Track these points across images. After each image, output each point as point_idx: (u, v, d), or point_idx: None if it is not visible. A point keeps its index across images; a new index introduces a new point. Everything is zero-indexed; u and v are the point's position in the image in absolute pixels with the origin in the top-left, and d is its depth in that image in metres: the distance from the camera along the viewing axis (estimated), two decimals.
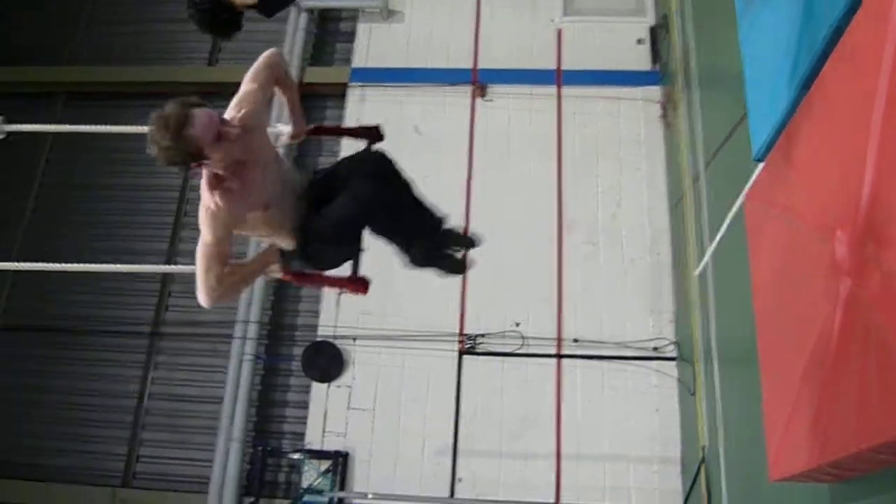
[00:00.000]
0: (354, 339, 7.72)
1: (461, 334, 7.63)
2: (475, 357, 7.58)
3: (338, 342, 7.72)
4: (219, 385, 7.81)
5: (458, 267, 3.81)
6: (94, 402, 8.11)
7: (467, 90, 8.65)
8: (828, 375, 3.02)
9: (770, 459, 3.68)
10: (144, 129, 2.83)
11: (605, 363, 7.40)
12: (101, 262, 8.12)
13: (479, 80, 8.69)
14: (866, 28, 2.94)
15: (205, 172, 2.95)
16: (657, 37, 8.49)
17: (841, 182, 3.04)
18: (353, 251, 3.44)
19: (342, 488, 7.18)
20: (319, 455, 7.36)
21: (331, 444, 7.43)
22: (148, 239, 8.75)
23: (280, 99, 3.47)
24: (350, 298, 7.78)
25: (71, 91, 9.64)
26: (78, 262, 7.89)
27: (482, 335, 7.61)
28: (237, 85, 9.71)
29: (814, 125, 3.40)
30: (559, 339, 7.54)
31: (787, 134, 3.74)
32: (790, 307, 3.53)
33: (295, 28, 9.10)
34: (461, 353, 7.59)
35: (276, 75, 3.32)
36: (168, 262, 8.50)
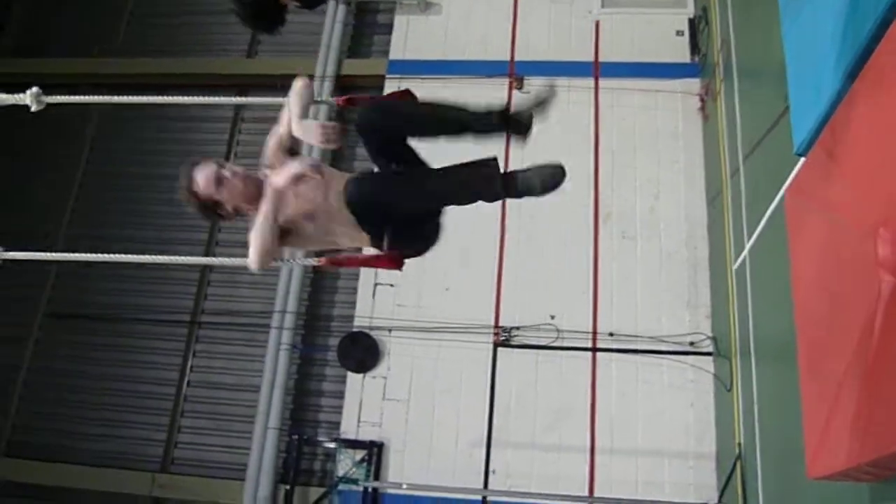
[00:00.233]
0: (390, 330, 7.77)
1: (496, 326, 7.64)
2: (510, 349, 7.59)
3: (373, 333, 7.77)
4: (256, 374, 7.92)
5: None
6: (134, 389, 8.27)
7: (504, 82, 8.63)
8: (868, 373, 2.99)
9: (808, 457, 3.65)
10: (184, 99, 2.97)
11: (640, 357, 7.36)
12: (142, 253, 8.32)
13: (516, 73, 8.66)
14: None
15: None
16: (696, 28, 8.40)
17: (885, 179, 3.00)
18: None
19: (376, 478, 7.25)
20: (354, 445, 7.43)
21: (366, 434, 7.50)
22: (188, 229, 8.86)
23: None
24: (386, 290, 7.85)
25: (111, 83, 9.78)
26: (120, 252, 8.05)
27: (517, 328, 7.61)
28: (276, 77, 9.81)
29: (858, 120, 3.35)
30: (594, 333, 7.52)
31: (830, 128, 3.69)
32: (831, 304, 3.50)
33: (333, 20, 9.15)
34: (496, 345, 7.60)
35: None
36: (207, 254, 8.62)
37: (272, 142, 3.43)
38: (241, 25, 3.36)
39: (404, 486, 6.80)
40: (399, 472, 7.32)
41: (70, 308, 8.66)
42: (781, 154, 4.68)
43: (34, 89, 3.13)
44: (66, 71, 9.68)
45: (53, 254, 3.22)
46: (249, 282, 8.49)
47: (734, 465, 5.99)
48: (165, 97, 3.60)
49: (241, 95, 9.41)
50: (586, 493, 7.00)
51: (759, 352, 5.63)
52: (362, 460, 7.32)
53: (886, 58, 3.12)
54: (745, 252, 5.91)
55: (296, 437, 7.63)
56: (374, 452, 7.36)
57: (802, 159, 4.18)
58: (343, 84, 9.09)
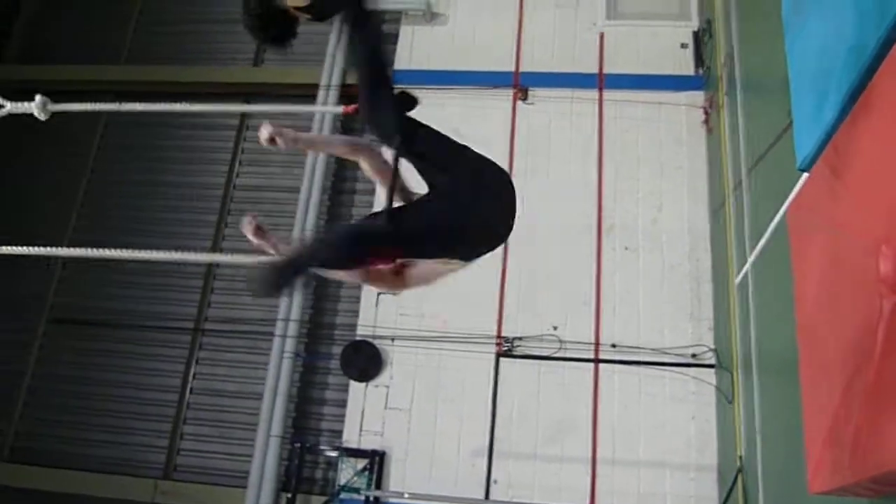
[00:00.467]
0: (393, 339, 7.79)
1: (499, 337, 7.66)
2: (512, 360, 7.61)
3: (376, 342, 7.80)
4: (259, 381, 7.94)
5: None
6: (137, 396, 8.30)
7: (509, 93, 8.68)
8: (870, 389, 3.00)
9: (810, 472, 3.66)
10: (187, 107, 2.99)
11: (642, 369, 7.38)
12: (147, 262, 8.35)
13: (520, 84, 8.71)
14: None
15: None
16: (701, 41, 8.44)
17: (887, 197, 3.02)
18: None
19: (378, 487, 7.26)
20: (356, 453, 7.45)
21: (368, 443, 7.52)
22: (193, 237, 8.91)
23: None
24: (390, 299, 7.87)
25: (118, 91, 9.84)
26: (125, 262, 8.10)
27: (519, 338, 7.63)
28: (282, 86, 9.84)
29: (861, 138, 3.38)
30: (597, 344, 7.54)
31: (833, 145, 3.71)
32: (833, 320, 3.51)
33: (339, 30, 9.18)
34: (498, 355, 7.62)
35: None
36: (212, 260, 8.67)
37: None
38: (249, 36, 3.36)
39: (406, 496, 6.82)
40: (401, 482, 7.34)
41: (74, 314, 8.69)
42: (784, 169, 4.70)
43: (39, 98, 3.12)
44: (71, 78, 9.73)
45: (55, 249, 3.20)
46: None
47: (735, 477, 6.00)
48: (167, 105, 3.59)
49: (246, 104, 9.51)
50: None
51: (761, 365, 5.64)
52: (364, 469, 7.34)
53: (889, 76, 3.15)
54: (748, 265, 5.93)
55: (298, 445, 7.64)
56: (375, 461, 7.38)
57: (805, 175, 4.20)
58: (348, 93, 9.12)
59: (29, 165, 9.26)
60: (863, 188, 3.32)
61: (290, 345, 7.88)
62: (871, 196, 3.19)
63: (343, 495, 7.20)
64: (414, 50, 9.21)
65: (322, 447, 7.75)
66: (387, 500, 7.22)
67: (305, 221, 8.37)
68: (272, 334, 7.96)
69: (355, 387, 7.78)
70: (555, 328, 7.64)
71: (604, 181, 8.16)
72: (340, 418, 7.77)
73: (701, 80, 8.38)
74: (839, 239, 3.50)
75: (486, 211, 3.24)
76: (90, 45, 10.12)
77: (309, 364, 8.15)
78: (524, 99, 8.64)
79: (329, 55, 9.08)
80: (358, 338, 7.88)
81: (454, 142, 3.34)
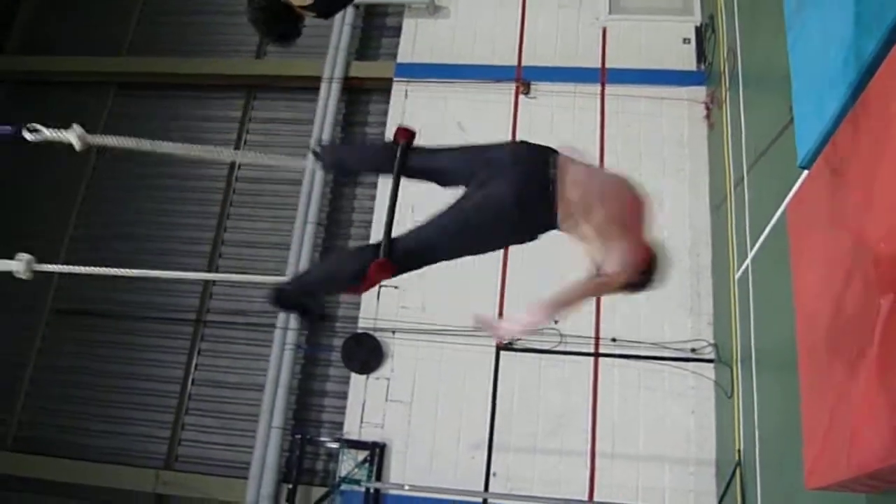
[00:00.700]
0: (394, 332, 7.82)
1: None
2: (513, 353, 7.64)
3: (378, 334, 7.82)
4: (260, 373, 7.98)
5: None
6: (139, 386, 8.34)
7: (511, 87, 8.69)
8: (867, 386, 3.03)
9: (807, 467, 3.70)
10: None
11: (642, 363, 7.41)
12: (147, 256, 8.42)
13: (523, 78, 8.71)
14: None
15: None
16: (703, 36, 8.44)
17: (887, 195, 3.05)
18: None
19: (378, 479, 7.30)
20: (357, 445, 7.49)
21: (368, 435, 7.55)
22: (195, 228, 8.95)
23: None
24: (391, 292, 7.90)
25: (121, 82, 9.86)
26: (126, 254, 8.14)
27: None
28: (284, 78, 9.80)
29: (861, 136, 3.40)
30: (597, 338, 7.56)
31: (833, 143, 3.74)
32: (832, 317, 3.54)
33: (342, 22, 9.21)
34: (499, 348, 7.65)
35: None
36: (211, 258, 8.74)
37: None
38: (252, 28, 3.36)
39: (406, 488, 6.85)
40: (401, 474, 7.38)
41: (76, 305, 8.72)
42: (785, 165, 4.72)
43: (78, 128, 3.13)
44: (74, 69, 9.76)
45: (57, 266, 3.22)
46: (255, 282, 8.54)
47: (734, 472, 6.03)
48: (169, 144, 3.57)
49: (249, 95, 9.53)
50: (586, 498, 7.04)
51: (760, 360, 5.67)
52: (364, 461, 7.37)
53: (890, 76, 3.17)
54: (748, 261, 5.96)
55: (299, 436, 7.69)
56: (376, 453, 7.41)
57: (806, 172, 4.23)
58: (350, 86, 9.14)
59: (29, 165, 9.24)
60: (862, 186, 3.34)
61: (291, 337, 7.91)
62: (870, 194, 3.22)
63: (343, 487, 7.24)
64: (417, 43, 9.22)
65: (323, 439, 7.79)
66: (387, 491, 7.26)
67: (307, 215, 8.39)
68: (274, 326, 7.99)
69: (356, 379, 7.81)
70: (555, 322, 7.64)
71: None
72: (341, 410, 7.81)
73: (703, 75, 8.38)
74: (838, 236, 3.53)
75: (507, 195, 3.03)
76: (92, 36, 10.13)
77: (310, 356, 8.19)
78: (526, 93, 8.64)
79: (332, 48, 9.09)
80: (359, 330, 7.91)
81: (455, 148, 3.32)
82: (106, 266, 3.90)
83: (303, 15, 3.15)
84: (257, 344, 8.25)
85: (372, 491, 7.17)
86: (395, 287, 7.91)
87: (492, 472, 7.31)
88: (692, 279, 7.66)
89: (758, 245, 5.66)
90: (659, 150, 8.25)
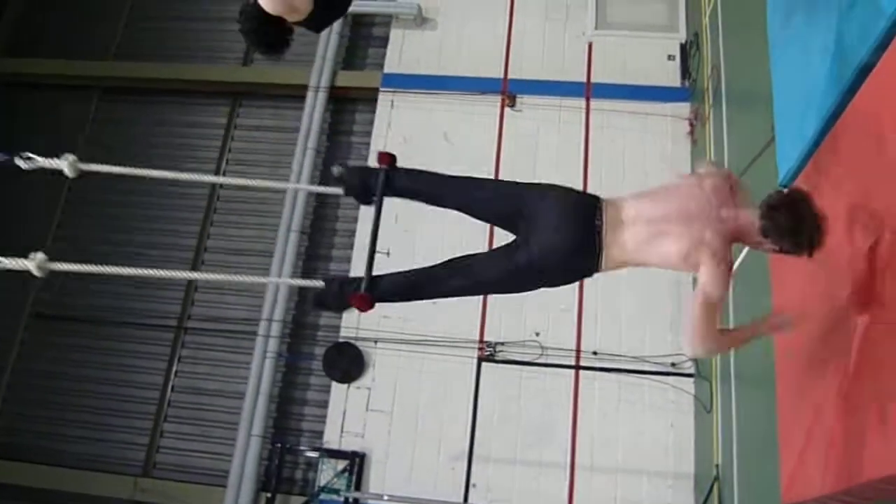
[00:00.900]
0: (376, 341, 7.82)
1: (481, 341, 7.71)
2: (494, 364, 7.66)
3: (359, 344, 7.82)
4: (241, 381, 7.95)
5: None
6: (118, 392, 8.29)
7: (497, 100, 8.74)
8: (844, 404, 3.07)
9: (784, 482, 3.74)
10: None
11: (622, 376, 7.45)
12: (130, 255, 8.36)
13: (508, 90, 8.76)
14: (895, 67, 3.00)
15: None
16: (688, 53, 8.52)
17: (864, 215, 3.09)
18: None
19: (357, 488, 7.29)
20: (336, 454, 7.48)
21: (348, 445, 7.54)
22: (177, 235, 8.93)
23: None
24: None
25: (106, 86, 9.82)
26: (109, 252, 8.08)
27: (502, 343, 7.69)
28: (270, 86, 9.77)
29: (840, 157, 3.46)
30: (578, 351, 7.60)
31: (814, 162, 3.79)
32: (809, 335, 3.58)
33: (329, 31, 9.20)
34: (480, 359, 7.67)
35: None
36: (195, 259, 8.70)
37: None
38: (238, 34, 3.38)
39: (385, 498, 6.85)
40: (380, 484, 7.37)
41: (56, 310, 8.66)
42: (766, 183, 4.76)
43: (71, 157, 3.17)
44: (60, 72, 9.72)
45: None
46: (236, 289, 8.54)
47: (712, 486, 6.07)
48: (153, 171, 3.58)
49: (235, 103, 9.52)
50: None
51: (740, 375, 5.71)
52: (344, 470, 7.36)
53: (870, 97, 3.23)
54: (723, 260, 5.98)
55: (278, 445, 7.66)
56: (356, 463, 7.40)
57: (786, 191, 4.27)
58: (336, 95, 9.16)
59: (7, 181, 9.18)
60: (840, 205, 3.39)
61: (272, 345, 7.90)
62: (849, 215, 3.26)
63: (323, 496, 7.22)
64: (403, 54, 9.25)
65: (302, 448, 7.77)
66: (366, 501, 7.26)
67: (291, 222, 8.38)
68: (255, 334, 7.98)
69: (337, 388, 7.80)
70: (537, 334, 7.69)
71: (589, 189, 8.17)
72: (321, 419, 7.79)
73: (687, 91, 8.46)
74: (817, 256, 3.57)
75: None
76: (78, 40, 10.08)
77: (291, 364, 8.17)
78: (512, 106, 8.70)
79: (319, 56, 9.10)
80: (341, 339, 7.91)
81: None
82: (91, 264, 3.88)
83: (293, 28, 3.17)
84: (238, 351, 8.23)
85: (351, 501, 7.18)
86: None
87: (471, 483, 7.31)
88: (673, 293, 7.69)
89: (738, 262, 5.70)
90: (642, 165, 8.29)
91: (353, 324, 7.91)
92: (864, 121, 3.25)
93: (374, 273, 3.19)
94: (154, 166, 8.96)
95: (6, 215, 8.96)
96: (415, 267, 3.24)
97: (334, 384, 7.82)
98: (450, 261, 3.21)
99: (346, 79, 9.28)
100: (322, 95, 8.96)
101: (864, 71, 3.26)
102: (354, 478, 7.34)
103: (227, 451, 7.70)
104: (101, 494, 7.82)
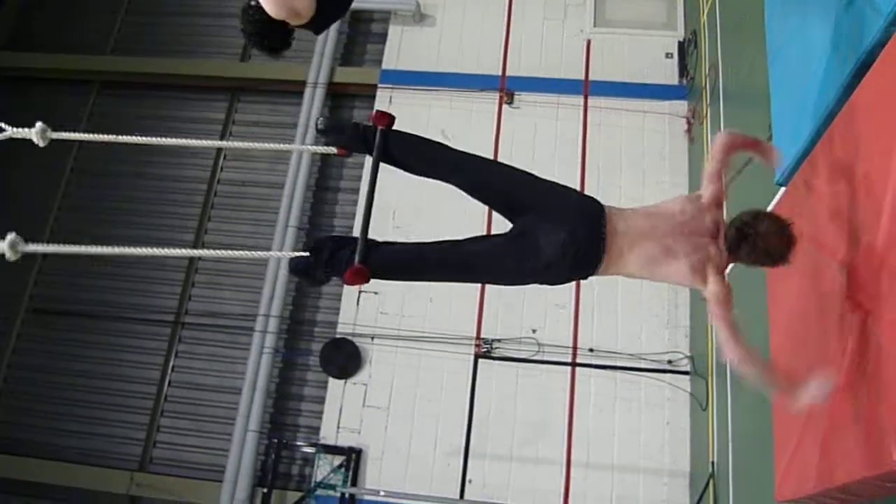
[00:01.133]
0: (373, 337, 7.83)
1: (478, 338, 7.72)
2: (491, 361, 7.67)
3: (356, 340, 7.83)
4: (238, 376, 7.96)
5: None
6: (115, 387, 8.29)
7: (495, 96, 8.75)
8: (838, 402, 3.08)
9: (778, 480, 3.75)
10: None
11: (618, 374, 7.47)
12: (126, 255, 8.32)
13: (506, 87, 8.77)
14: (892, 66, 3.01)
15: None
16: (686, 51, 8.54)
17: (860, 214, 3.11)
18: None
19: (354, 484, 7.30)
20: (333, 450, 7.49)
21: (345, 440, 7.56)
22: (175, 230, 8.91)
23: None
24: (371, 298, 7.91)
25: (105, 80, 9.81)
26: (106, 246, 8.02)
27: (499, 340, 7.70)
28: (269, 82, 9.77)
29: (837, 156, 3.47)
30: (574, 348, 7.61)
31: (810, 161, 3.80)
32: (805, 332, 3.60)
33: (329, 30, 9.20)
34: (477, 356, 7.68)
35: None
36: (191, 260, 8.70)
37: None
38: (237, 29, 3.37)
39: (381, 493, 6.87)
40: (377, 479, 7.38)
41: (53, 304, 8.66)
42: (762, 182, 4.79)
43: (40, 125, 3.13)
44: (57, 66, 9.70)
45: (38, 246, 3.15)
46: (233, 284, 8.55)
47: (707, 483, 6.09)
48: (149, 139, 3.50)
49: (233, 98, 9.51)
50: None
51: (735, 373, 5.72)
52: (340, 466, 7.38)
53: (866, 98, 3.24)
54: (725, 275, 6.00)
55: (275, 440, 7.68)
56: (352, 458, 7.42)
57: (783, 189, 4.29)
58: (335, 91, 9.16)
59: (9, 157, 9.17)
60: (836, 205, 3.41)
61: (269, 340, 7.91)
62: (845, 213, 3.28)
63: (319, 492, 7.22)
64: (402, 50, 9.26)
65: (299, 443, 7.79)
66: (362, 497, 7.26)
67: (289, 218, 8.39)
68: (252, 329, 7.99)
69: (334, 384, 7.81)
70: (534, 331, 7.71)
71: (586, 187, 8.22)
72: (318, 415, 7.80)
73: (685, 89, 8.47)
74: (813, 253, 3.58)
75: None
76: (78, 35, 10.08)
77: (288, 360, 8.18)
78: (510, 103, 8.71)
79: (317, 53, 9.10)
80: (338, 335, 7.92)
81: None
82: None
83: (294, 29, 3.19)
84: (235, 347, 8.23)
85: (347, 496, 7.17)
86: (375, 293, 7.93)
87: (467, 479, 7.33)
88: (670, 291, 7.72)
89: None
90: (640, 162, 8.32)
91: (350, 320, 7.93)
92: (860, 120, 3.26)
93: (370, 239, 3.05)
94: (152, 161, 9.05)
95: (6, 212, 8.96)
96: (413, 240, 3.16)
97: (331, 380, 7.83)
98: (453, 244, 3.16)
99: (345, 75, 9.28)
100: (320, 91, 8.97)
101: (862, 70, 3.27)
102: (351, 473, 7.35)
103: (224, 447, 7.71)
104: (97, 489, 7.82)
